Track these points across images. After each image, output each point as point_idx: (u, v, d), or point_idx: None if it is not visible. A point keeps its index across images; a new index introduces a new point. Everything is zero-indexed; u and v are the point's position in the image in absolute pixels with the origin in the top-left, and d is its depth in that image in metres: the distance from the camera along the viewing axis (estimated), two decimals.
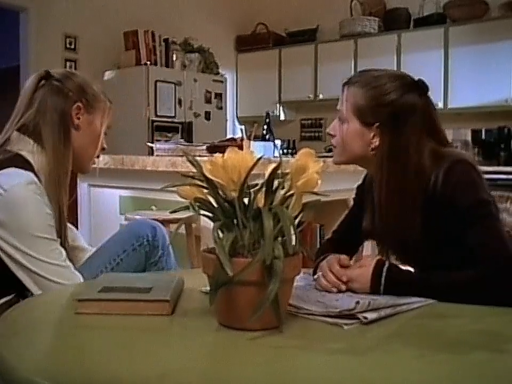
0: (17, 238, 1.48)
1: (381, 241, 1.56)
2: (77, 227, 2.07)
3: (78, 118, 1.67)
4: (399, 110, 1.40)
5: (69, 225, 1.79)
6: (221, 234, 1.02)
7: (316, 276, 1.37)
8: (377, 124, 1.41)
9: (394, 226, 1.42)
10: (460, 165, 1.37)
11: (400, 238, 1.42)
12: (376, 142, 1.42)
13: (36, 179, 1.53)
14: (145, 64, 5.43)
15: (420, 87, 1.44)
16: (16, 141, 1.60)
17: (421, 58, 5.47)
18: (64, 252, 1.57)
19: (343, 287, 1.29)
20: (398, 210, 1.40)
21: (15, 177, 1.50)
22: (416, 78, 1.45)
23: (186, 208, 1.07)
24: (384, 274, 1.28)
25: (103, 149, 1.78)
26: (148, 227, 1.87)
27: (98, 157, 1.79)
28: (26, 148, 1.59)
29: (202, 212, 1.07)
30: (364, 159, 1.47)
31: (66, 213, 1.65)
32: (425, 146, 1.41)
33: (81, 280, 1.57)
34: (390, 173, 1.41)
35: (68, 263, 1.57)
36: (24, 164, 1.55)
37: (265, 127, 3.71)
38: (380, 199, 1.43)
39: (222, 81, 6.19)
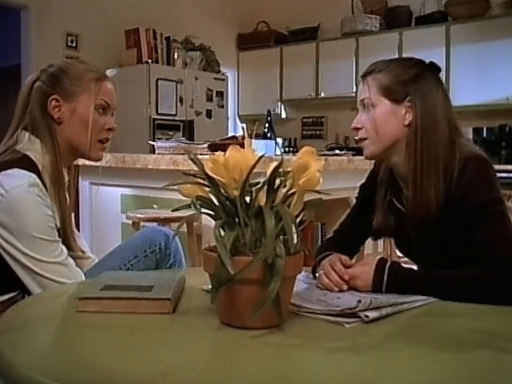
0: (18, 239, 1.48)
1: (401, 233, 1.54)
2: (78, 225, 2.07)
3: (59, 111, 1.61)
4: (424, 82, 1.45)
5: (75, 231, 1.78)
6: (222, 233, 1.02)
7: (317, 274, 1.37)
8: (408, 98, 1.44)
9: (427, 196, 1.40)
10: (474, 162, 1.38)
11: (427, 212, 1.40)
12: (409, 117, 1.44)
13: (38, 181, 1.52)
14: (147, 62, 5.43)
15: (433, 67, 1.49)
16: (25, 141, 1.59)
17: (423, 57, 5.35)
18: (65, 250, 1.57)
19: (345, 287, 1.29)
20: (432, 178, 1.40)
21: (17, 178, 1.49)
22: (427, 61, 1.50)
23: (188, 206, 1.07)
24: (386, 272, 1.28)
25: (109, 129, 1.68)
26: (161, 235, 1.85)
27: (107, 140, 1.69)
28: (34, 148, 1.58)
29: (203, 210, 1.07)
30: (397, 143, 1.46)
31: (69, 212, 1.64)
32: (445, 120, 1.44)
33: (83, 277, 1.57)
34: (424, 143, 1.42)
35: (69, 261, 1.57)
36: (29, 166, 1.53)
37: (266, 125, 3.72)
38: (416, 173, 1.42)
39: (223, 80, 6.18)
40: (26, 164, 1.54)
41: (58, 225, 1.59)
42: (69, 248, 1.63)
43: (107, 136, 1.69)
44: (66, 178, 1.68)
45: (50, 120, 1.61)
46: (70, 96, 1.62)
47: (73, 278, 1.53)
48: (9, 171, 1.51)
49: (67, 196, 1.66)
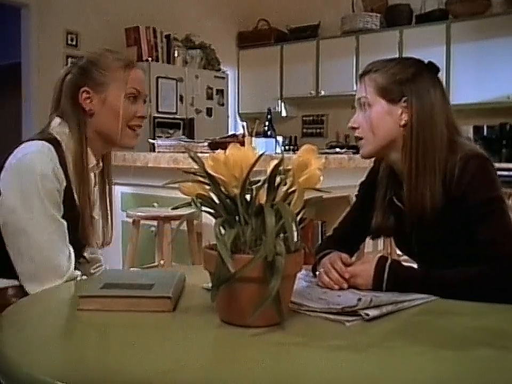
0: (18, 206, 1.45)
1: (400, 232, 1.54)
2: None
3: (90, 102, 1.60)
4: (421, 82, 1.44)
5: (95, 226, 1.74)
6: (222, 231, 1.02)
7: (317, 273, 1.37)
8: (404, 98, 1.43)
9: (422, 196, 1.40)
10: (475, 160, 1.38)
11: (423, 212, 1.40)
12: (405, 117, 1.44)
13: (53, 150, 1.51)
14: (147, 60, 5.43)
15: (432, 67, 1.48)
16: (55, 124, 1.61)
17: (423, 55, 5.33)
18: (64, 229, 1.52)
19: (345, 286, 1.29)
20: (427, 178, 1.40)
21: (32, 146, 1.51)
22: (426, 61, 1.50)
23: (188, 204, 1.07)
24: (386, 270, 1.28)
25: (141, 117, 1.66)
26: None
27: (139, 127, 1.67)
28: (62, 130, 1.59)
29: (204, 208, 1.07)
30: (394, 142, 1.46)
31: (90, 209, 1.62)
32: (443, 121, 1.44)
33: (65, 266, 1.49)
34: (420, 143, 1.42)
35: (63, 242, 1.51)
36: (51, 139, 1.54)
37: (266, 123, 3.72)
38: (411, 172, 1.42)
39: (223, 78, 6.19)
40: (48, 138, 1.55)
41: (78, 203, 1.56)
42: (85, 239, 1.62)
43: (139, 123, 1.67)
44: (100, 164, 1.68)
45: (82, 112, 1.61)
46: (100, 87, 1.61)
47: (54, 265, 1.47)
48: (29, 142, 1.54)
49: (91, 189, 1.65)
